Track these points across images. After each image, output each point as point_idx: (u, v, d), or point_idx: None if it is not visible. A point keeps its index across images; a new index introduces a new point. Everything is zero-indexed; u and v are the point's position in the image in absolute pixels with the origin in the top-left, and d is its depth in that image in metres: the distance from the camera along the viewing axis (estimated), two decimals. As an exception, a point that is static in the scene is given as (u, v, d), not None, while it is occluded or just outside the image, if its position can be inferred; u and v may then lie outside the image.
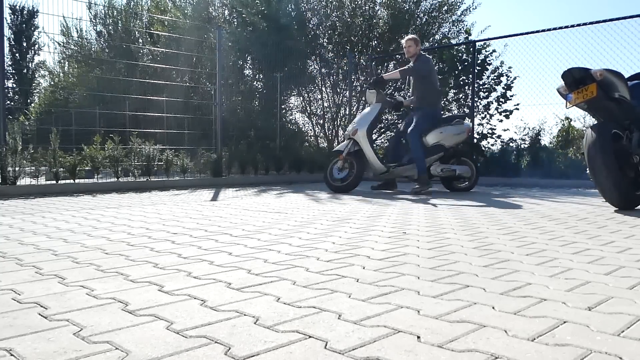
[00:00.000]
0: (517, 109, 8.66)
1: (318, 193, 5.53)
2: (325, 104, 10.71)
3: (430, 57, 6.22)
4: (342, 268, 1.80)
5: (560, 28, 7.45)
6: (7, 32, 26.51)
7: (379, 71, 5.92)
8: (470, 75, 8.71)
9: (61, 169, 5.90)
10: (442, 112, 6.35)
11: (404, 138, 5.97)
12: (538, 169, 7.57)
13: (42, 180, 5.79)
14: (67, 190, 5.56)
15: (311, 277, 1.67)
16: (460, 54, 9.23)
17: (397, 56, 10.11)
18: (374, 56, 9.96)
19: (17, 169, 5.43)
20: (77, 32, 15.26)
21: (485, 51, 8.97)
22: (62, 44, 15.68)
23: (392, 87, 9.70)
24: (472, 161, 5.98)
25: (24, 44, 28.84)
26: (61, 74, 17.23)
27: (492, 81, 8.97)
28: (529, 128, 8.29)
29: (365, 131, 5.63)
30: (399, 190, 5.98)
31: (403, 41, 6.04)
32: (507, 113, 8.76)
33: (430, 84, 5.82)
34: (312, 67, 10.78)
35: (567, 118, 8.47)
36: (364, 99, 10.28)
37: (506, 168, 7.85)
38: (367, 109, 5.92)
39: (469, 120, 6.56)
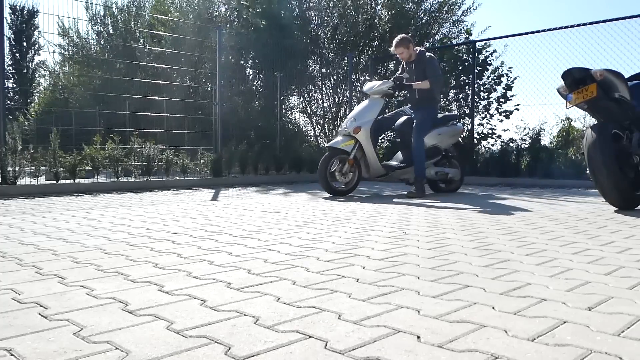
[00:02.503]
0: (517, 109, 8.66)
1: (318, 193, 5.52)
2: (326, 104, 10.72)
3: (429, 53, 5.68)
4: (342, 268, 1.80)
5: (560, 28, 7.45)
6: (7, 32, 26.48)
7: (405, 76, 5.36)
8: (471, 76, 8.71)
9: (61, 169, 5.90)
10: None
11: (398, 136, 5.64)
12: (538, 169, 7.57)
13: (42, 180, 5.79)
14: (67, 190, 5.56)
15: (311, 277, 1.67)
16: (460, 54, 9.23)
17: (397, 56, 10.12)
18: (374, 56, 9.97)
19: (17, 168, 5.43)
20: (77, 32, 15.27)
21: (486, 51, 8.97)
22: (61, 45, 15.70)
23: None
24: (459, 163, 5.81)
25: (24, 44, 28.83)
26: (61, 74, 17.23)
27: (493, 81, 8.97)
28: (529, 128, 8.30)
29: (369, 130, 5.16)
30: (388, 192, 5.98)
31: (392, 49, 5.45)
32: (508, 113, 8.77)
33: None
34: (313, 67, 10.79)
35: (567, 118, 8.47)
36: (363, 97, 10.31)
37: (506, 168, 7.85)
38: (367, 103, 5.34)
39: (460, 120, 6.14)
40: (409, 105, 5.63)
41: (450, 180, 5.70)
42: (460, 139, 5.91)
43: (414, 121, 5.28)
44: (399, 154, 5.69)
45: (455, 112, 9.27)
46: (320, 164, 5.09)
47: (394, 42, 5.37)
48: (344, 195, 5.13)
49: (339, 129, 5.36)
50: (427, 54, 5.43)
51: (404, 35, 5.45)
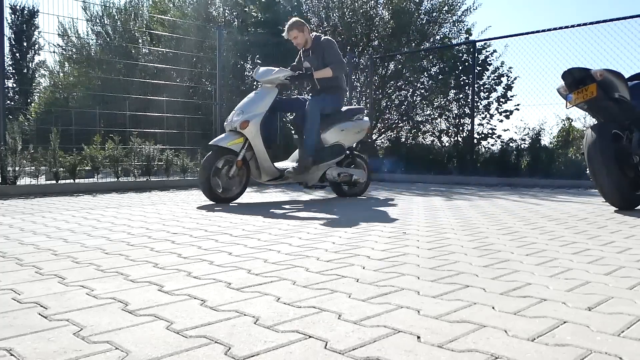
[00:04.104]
0: (517, 109, 8.68)
1: (318, 192, 5.53)
2: (325, 104, 10.70)
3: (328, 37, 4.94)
4: (342, 268, 1.80)
5: (560, 28, 7.45)
6: (7, 32, 26.47)
7: (306, 65, 4.76)
8: (471, 76, 8.71)
9: (61, 169, 5.90)
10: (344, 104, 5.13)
11: (295, 131, 4.86)
12: (538, 169, 7.56)
13: (42, 180, 5.79)
14: (67, 190, 5.55)
15: (311, 277, 1.67)
16: (460, 54, 9.24)
17: (397, 56, 10.12)
18: (374, 56, 9.97)
19: (17, 168, 5.43)
20: (77, 32, 15.29)
21: (486, 51, 8.99)
22: (61, 46, 15.70)
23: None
24: (365, 163, 5.16)
25: (24, 44, 28.83)
26: (61, 74, 17.25)
27: (493, 81, 8.99)
28: (529, 128, 8.30)
29: (259, 125, 4.36)
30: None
31: (285, 34, 4.83)
32: (508, 113, 8.79)
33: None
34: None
35: (567, 118, 8.47)
36: (364, 99, 10.31)
37: (506, 168, 7.85)
38: (257, 93, 4.58)
39: (365, 114, 5.24)
40: (310, 95, 4.96)
41: (355, 182, 4.97)
42: (366, 136, 5.09)
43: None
44: (296, 153, 4.94)
45: (455, 112, 9.28)
46: (201, 167, 4.29)
47: (287, 25, 4.79)
48: (228, 202, 4.31)
49: (225, 123, 4.54)
50: (323, 37, 4.84)
51: (297, 18, 4.92)
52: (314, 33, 4.88)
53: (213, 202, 4.28)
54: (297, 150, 4.91)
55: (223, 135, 4.41)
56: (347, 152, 4.95)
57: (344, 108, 4.97)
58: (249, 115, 4.34)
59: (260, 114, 4.39)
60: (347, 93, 4.85)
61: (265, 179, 4.59)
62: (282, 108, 4.92)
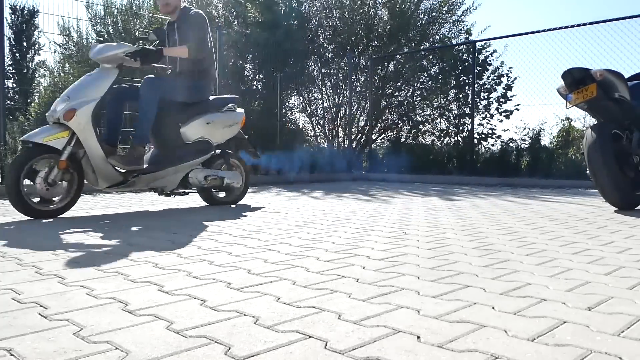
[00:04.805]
0: (518, 109, 8.70)
1: (318, 193, 5.52)
2: (325, 104, 10.72)
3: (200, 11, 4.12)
4: (342, 268, 1.80)
5: (560, 28, 7.46)
6: (7, 32, 26.45)
7: (152, 37, 4.03)
8: (471, 76, 8.72)
9: (61, 169, 5.89)
10: (211, 92, 4.15)
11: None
12: (538, 169, 7.57)
13: (42, 180, 5.79)
14: (67, 190, 5.55)
15: (311, 277, 1.67)
16: (460, 54, 9.24)
17: (397, 56, 10.12)
18: (374, 56, 9.97)
19: (17, 168, 5.43)
20: (78, 31, 15.29)
21: (486, 51, 8.99)
22: (61, 45, 15.71)
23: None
24: (242, 164, 4.29)
25: (24, 44, 28.83)
26: (61, 74, 17.26)
27: (493, 81, 9.00)
28: (529, 128, 8.32)
29: (91, 115, 3.35)
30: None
31: None
32: (508, 113, 8.80)
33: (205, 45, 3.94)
34: (312, 67, 10.79)
35: (567, 118, 8.48)
36: (364, 99, 10.31)
37: (506, 168, 7.86)
38: (92, 75, 3.53)
39: (237, 105, 4.24)
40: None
41: (228, 187, 4.10)
42: (241, 131, 4.20)
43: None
44: (150, 153, 3.91)
45: (455, 112, 9.28)
46: (7, 170, 3.39)
47: None
48: (51, 217, 3.26)
49: (47, 113, 3.45)
50: (194, 10, 4.00)
51: None
52: (185, 5, 4.02)
53: (31, 218, 3.22)
54: (151, 150, 3.94)
55: (39, 128, 3.35)
56: (217, 150, 4.09)
57: (211, 97, 4.08)
58: (76, 103, 3.31)
59: (92, 100, 3.37)
60: (217, 82, 4.01)
61: (104, 186, 3.52)
62: (131, 96, 3.77)
